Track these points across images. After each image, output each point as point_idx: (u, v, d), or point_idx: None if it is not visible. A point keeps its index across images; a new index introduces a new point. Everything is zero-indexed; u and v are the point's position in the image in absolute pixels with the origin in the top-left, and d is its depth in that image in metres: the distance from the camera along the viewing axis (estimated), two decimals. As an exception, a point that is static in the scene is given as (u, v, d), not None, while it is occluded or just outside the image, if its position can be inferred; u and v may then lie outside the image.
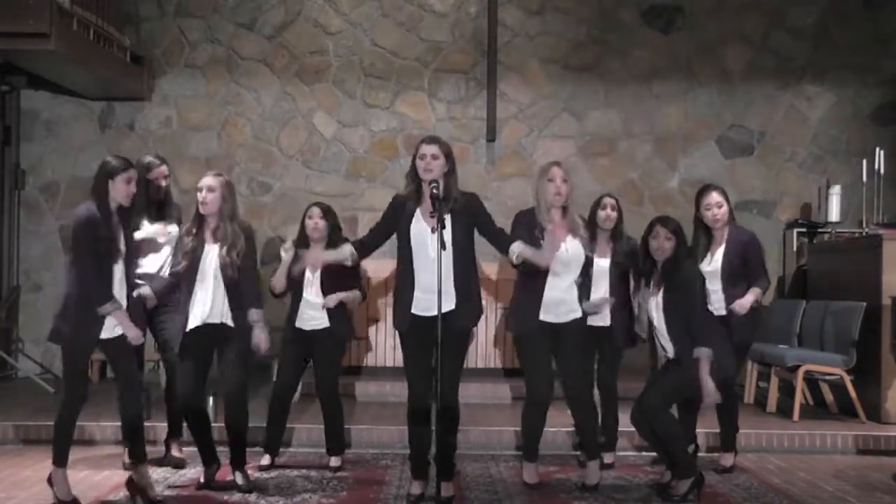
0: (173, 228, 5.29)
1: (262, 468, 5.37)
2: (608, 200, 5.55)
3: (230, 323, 4.83)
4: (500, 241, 4.71)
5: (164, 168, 5.36)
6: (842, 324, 6.79)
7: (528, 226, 4.85)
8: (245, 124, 8.96)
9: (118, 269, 4.50)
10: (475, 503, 4.78)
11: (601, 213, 5.52)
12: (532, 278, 4.84)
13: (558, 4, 9.02)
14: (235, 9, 8.97)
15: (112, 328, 4.51)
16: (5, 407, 6.76)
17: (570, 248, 4.87)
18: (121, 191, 4.49)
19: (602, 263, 5.36)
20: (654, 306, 4.82)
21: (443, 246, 4.40)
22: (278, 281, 5.39)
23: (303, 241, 5.42)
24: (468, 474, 5.39)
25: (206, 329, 4.79)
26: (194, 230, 4.85)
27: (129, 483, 4.58)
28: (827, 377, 6.81)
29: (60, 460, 4.52)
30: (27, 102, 8.88)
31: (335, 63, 8.99)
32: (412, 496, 4.69)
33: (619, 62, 9.04)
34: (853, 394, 6.63)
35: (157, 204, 5.34)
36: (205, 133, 8.95)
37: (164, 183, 5.35)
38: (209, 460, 4.94)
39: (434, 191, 4.46)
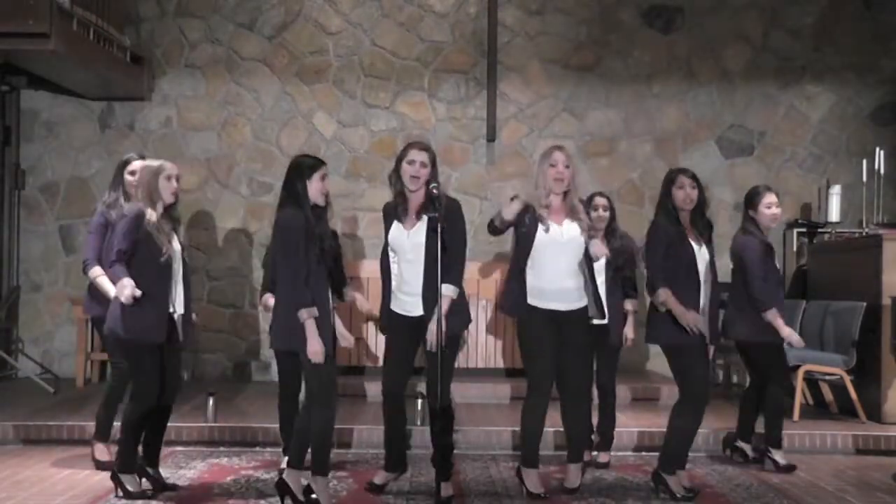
0: None
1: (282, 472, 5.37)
2: (600, 200, 5.59)
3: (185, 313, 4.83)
4: (448, 266, 4.64)
5: (140, 163, 5.28)
6: (842, 324, 6.79)
7: (525, 216, 4.81)
8: (245, 124, 8.96)
9: (323, 270, 4.48)
10: (475, 503, 4.78)
11: (593, 214, 5.55)
12: (521, 262, 4.83)
13: (558, 4, 9.03)
14: (235, 9, 8.98)
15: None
16: (5, 407, 6.76)
17: (566, 233, 4.81)
18: (316, 188, 4.47)
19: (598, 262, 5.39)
20: (701, 258, 4.87)
21: (443, 245, 4.43)
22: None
23: None
24: (468, 474, 5.40)
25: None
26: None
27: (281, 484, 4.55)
28: (827, 377, 6.81)
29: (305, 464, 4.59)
30: (27, 102, 8.88)
31: (335, 63, 8.99)
32: (375, 485, 4.85)
33: (619, 62, 9.04)
34: (853, 394, 6.63)
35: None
36: (205, 133, 8.95)
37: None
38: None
39: (435, 191, 4.48)
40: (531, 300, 4.81)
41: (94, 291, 5.34)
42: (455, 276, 4.69)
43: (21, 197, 8.89)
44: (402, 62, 9.00)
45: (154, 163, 4.77)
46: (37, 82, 8.59)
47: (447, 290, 4.63)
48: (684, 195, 4.91)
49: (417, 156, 4.66)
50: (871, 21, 9.03)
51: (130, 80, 8.56)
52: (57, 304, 8.81)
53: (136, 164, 5.30)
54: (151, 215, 4.62)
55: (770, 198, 5.58)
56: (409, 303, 4.74)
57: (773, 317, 5.38)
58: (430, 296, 4.64)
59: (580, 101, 9.02)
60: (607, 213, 5.57)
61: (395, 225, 4.76)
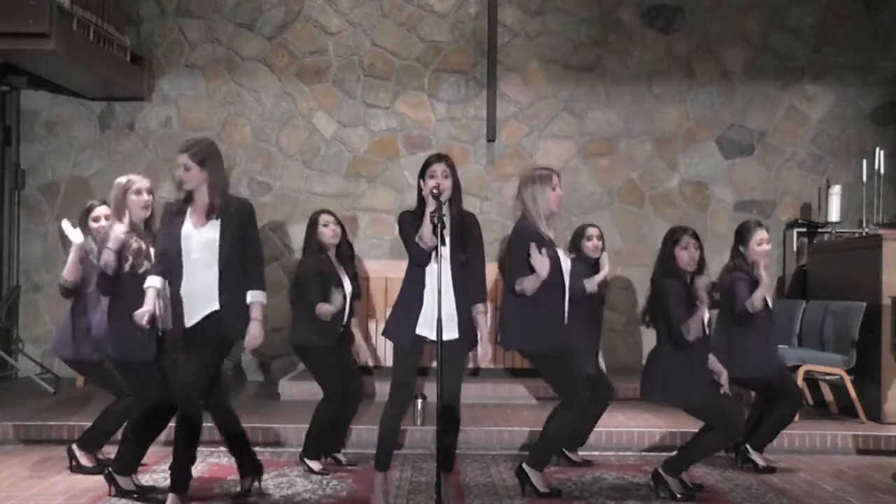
0: None
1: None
2: (594, 231, 5.60)
3: None
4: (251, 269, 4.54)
5: (103, 208, 5.27)
6: (842, 324, 6.78)
7: (538, 243, 4.62)
8: (245, 124, 8.96)
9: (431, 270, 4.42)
10: (475, 503, 4.78)
11: (588, 244, 5.56)
12: (554, 293, 4.69)
13: (558, 4, 9.03)
14: (235, 9, 8.98)
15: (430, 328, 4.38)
16: (5, 407, 6.76)
17: (566, 262, 4.83)
18: (428, 184, 4.39)
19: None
20: (706, 318, 4.79)
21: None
22: (328, 313, 5.30)
23: (320, 249, 5.40)
24: (468, 474, 5.39)
25: None
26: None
27: None
28: (827, 377, 6.81)
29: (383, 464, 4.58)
30: (27, 102, 8.89)
31: (335, 63, 8.99)
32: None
33: (619, 62, 9.04)
34: (853, 394, 6.62)
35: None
36: (205, 133, 8.92)
37: (104, 223, 5.21)
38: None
39: (435, 191, 4.38)
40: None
41: (64, 328, 5.35)
42: (258, 281, 4.53)
43: (21, 197, 8.89)
44: (402, 62, 9.00)
45: (123, 179, 4.74)
46: (37, 82, 8.59)
47: (257, 297, 4.49)
48: (689, 256, 4.81)
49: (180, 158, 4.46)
50: (871, 21, 9.03)
51: (130, 80, 8.56)
52: (57, 304, 8.77)
53: (100, 211, 5.28)
54: (119, 229, 4.61)
55: (761, 234, 5.46)
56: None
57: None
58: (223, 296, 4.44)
59: (580, 101, 9.02)
60: (600, 243, 5.59)
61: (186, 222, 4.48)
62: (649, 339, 5.29)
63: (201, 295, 4.37)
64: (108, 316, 4.64)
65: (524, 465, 4.89)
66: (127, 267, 4.61)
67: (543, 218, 4.73)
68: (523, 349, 4.91)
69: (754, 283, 5.41)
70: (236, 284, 4.43)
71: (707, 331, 4.82)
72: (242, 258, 4.46)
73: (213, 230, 4.41)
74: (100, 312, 4.73)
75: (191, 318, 4.39)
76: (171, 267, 4.42)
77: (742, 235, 5.53)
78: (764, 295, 5.35)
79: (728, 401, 4.95)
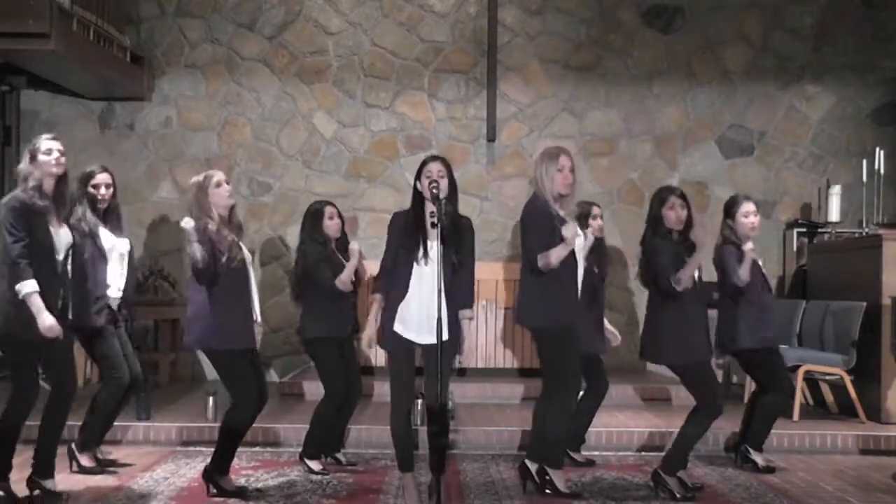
0: (125, 243, 5.30)
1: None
2: (598, 211, 5.59)
3: None
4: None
5: (105, 175, 5.27)
6: (842, 324, 6.78)
7: (548, 221, 4.61)
8: (245, 124, 8.96)
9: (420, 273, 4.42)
10: (475, 503, 4.78)
11: (593, 224, 5.55)
12: (567, 271, 4.67)
13: (558, 4, 9.03)
14: (235, 9, 8.98)
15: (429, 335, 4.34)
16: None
17: (580, 239, 4.82)
18: (424, 186, 4.37)
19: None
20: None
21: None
22: (349, 279, 5.36)
23: (325, 242, 5.45)
24: (468, 474, 5.39)
25: None
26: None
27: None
28: (827, 377, 6.81)
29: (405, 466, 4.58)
30: (27, 102, 8.88)
31: (335, 63, 8.99)
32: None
33: (619, 62, 9.04)
34: (853, 394, 6.62)
35: (102, 214, 5.25)
36: (205, 133, 8.95)
37: (104, 192, 5.23)
38: None
39: (434, 190, 4.37)
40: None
41: None
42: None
43: (21, 197, 8.88)
44: (402, 62, 9.00)
45: (198, 177, 4.78)
46: (37, 82, 8.59)
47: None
48: (676, 216, 4.84)
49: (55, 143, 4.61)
50: (871, 21, 9.03)
51: (130, 80, 8.56)
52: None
53: (101, 178, 5.26)
54: (212, 225, 4.63)
55: (747, 206, 5.47)
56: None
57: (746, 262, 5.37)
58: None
59: (580, 101, 9.02)
60: (601, 223, 5.60)
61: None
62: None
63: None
64: (211, 306, 4.60)
65: (526, 462, 4.91)
66: (223, 259, 4.60)
67: (551, 198, 4.67)
68: (535, 326, 4.83)
69: (743, 256, 5.42)
70: None
71: (697, 286, 4.82)
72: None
73: (68, 234, 4.49)
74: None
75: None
76: (38, 268, 4.32)
77: (729, 209, 5.56)
78: (749, 267, 5.33)
79: (714, 376, 5.00)
